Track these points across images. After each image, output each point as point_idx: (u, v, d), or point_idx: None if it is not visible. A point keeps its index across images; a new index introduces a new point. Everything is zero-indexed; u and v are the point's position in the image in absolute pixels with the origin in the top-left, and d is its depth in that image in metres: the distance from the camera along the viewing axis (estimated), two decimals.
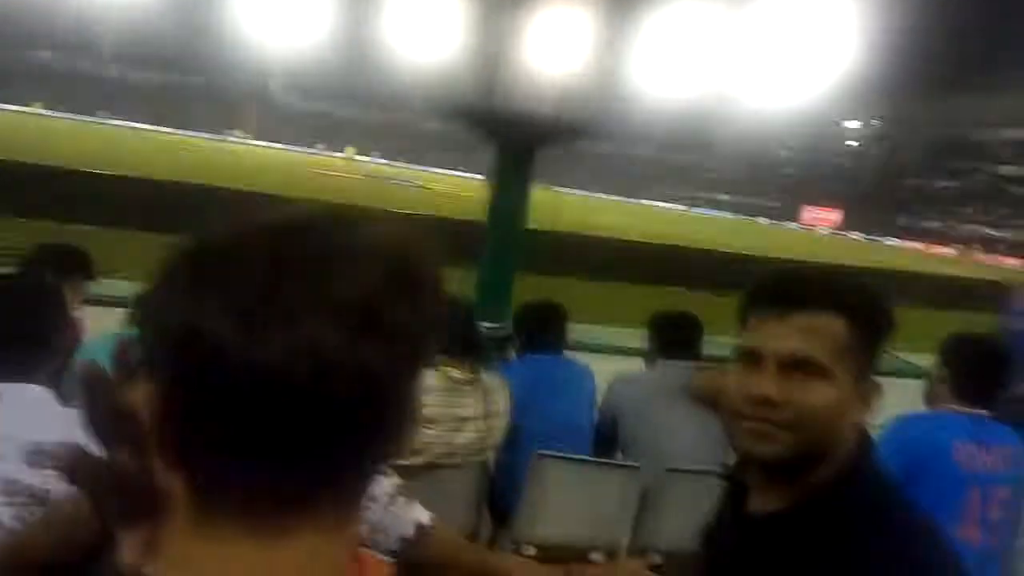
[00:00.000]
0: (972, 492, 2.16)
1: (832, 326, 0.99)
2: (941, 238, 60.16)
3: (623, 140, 58.69)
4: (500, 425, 2.48)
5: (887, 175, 75.67)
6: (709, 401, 2.43)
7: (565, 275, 10.44)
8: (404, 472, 2.28)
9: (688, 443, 2.60)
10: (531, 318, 2.99)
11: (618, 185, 64.22)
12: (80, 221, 9.00)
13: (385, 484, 1.47)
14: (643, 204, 61.30)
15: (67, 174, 12.64)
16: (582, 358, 3.09)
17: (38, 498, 1.29)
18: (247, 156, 38.31)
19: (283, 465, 0.46)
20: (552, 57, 5.91)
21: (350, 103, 67.58)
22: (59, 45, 57.71)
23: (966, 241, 57.61)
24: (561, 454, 2.53)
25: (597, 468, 2.57)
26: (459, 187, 30.98)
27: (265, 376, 0.44)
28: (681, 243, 18.22)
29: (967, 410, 2.24)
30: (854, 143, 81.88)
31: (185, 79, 64.88)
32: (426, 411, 2.31)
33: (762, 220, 65.37)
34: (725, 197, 75.98)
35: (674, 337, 2.78)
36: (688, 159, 76.13)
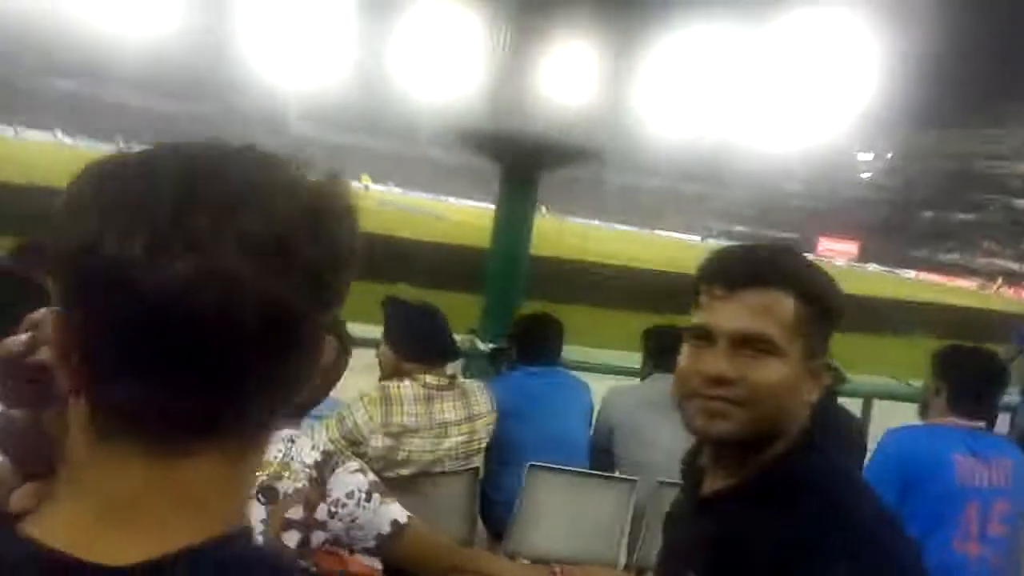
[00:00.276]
0: (971, 506, 2.12)
1: (783, 304, 0.99)
2: (959, 270, 59.66)
3: (636, 171, 58.91)
4: (485, 427, 2.46)
5: (902, 207, 75.40)
6: None
7: (573, 302, 10.45)
8: (394, 484, 2.29)
9: (679, 455, 2.56)
10: (527, 329, 2.98)
11: (631, 215, 64.47)
12: None
13: (360, 481, 1.46)
14: (656, 234, 61.43)
15: None
16: (581, 376, 3.07)
17: None
18: None
19: (185, 388, 0.46)
20: (560, 83, 5.99)
21: (365, 133, 68.46)
22: (78, 72, 59.00)
23: (985, 274, 57.09)
24: (554, 466, 2.51)
25: (591, 480, 2.54)
26: (475, 216, 31.21)
27: (170, 300, 0.44)
28: (691, 271, 18.17)
29: (965, 423, 2.21)
30: (868, 175, 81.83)
31: (200, 107, 66.05)
32: (407, 421, 2.30)
33: None
34: (740, 228, 75.92)
35: (665, 349, 2.76)
36: (701, 190, 76.25)
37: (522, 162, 5.35)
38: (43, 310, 0.53)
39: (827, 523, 0.92)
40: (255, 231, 0.46)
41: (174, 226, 0.45)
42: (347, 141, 69.25)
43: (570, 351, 4.15)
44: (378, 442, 2.26)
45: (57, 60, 55.59)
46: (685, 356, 1.03)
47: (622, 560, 2.66)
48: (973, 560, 2.12)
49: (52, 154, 30.25)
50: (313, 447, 1.47)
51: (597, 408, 2.95)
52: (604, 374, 4.04)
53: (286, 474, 1.41)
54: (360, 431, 2.26)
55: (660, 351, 2.79)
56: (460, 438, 2.39)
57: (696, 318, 1.03)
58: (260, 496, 1.38)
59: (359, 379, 2.15)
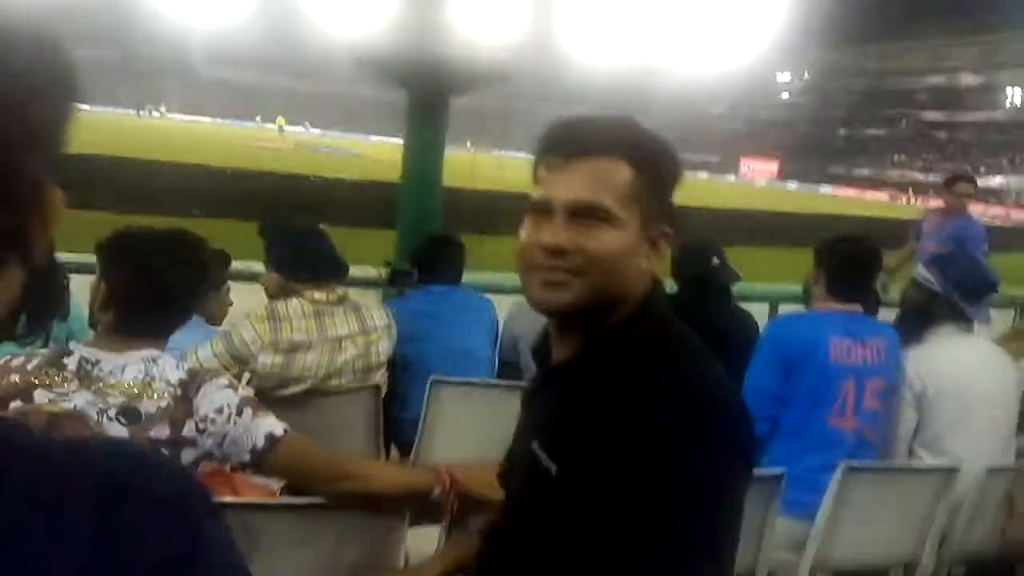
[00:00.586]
0: (847, 383, 2.24)
1: (618, 171, 0.99)
2: (873, 183, 62.01)
3: (561, 100, 58.52)
4: (381, 341, 2.45)
5: (819, 125, 77.42)
6: None
7: (494, 233, 10.44)
8: (291, 403, 2.27)
9: None
10: (428, 252, 2.95)
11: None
12: None
13: (230, 396, 1.43)
14: None
15: None
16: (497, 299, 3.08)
17: None
18: (170, 130, 36.93)
19: None
20: (470, 8, 5.81)
21: (277, 74, 65.67)
22: None
23: (896, 185, 59.52)
24: (456, 379, 2.52)
25: (493, 391, 2.56)
26: (395, 152, 30.60)
27: None
28: None
29: (842, 308, 2.31)
30: (786, 95, 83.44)
31: (102, 54, 61.92)
32: (297, 337, 2.26)
33: (702, 175, 66.36)
34: None
35: None
36: (622, 114, 76.19)
37: (426, 86, 5.19)
38: None
39: (658, 384, 0.94)
40: None
41: None
42: (259, 83, 66.32)
43: (495, 278, 4.17)
44: (268, 359, 2.22)
45: None
46: (524, 230, 1.03)
47: None
48: (849, 434, 2.25)
49: None
50: (177, 366, 1.43)
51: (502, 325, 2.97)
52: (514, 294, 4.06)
53: (147, 394, 1.37)
54: (248, 348, 2.21)
55: None
56: (355, 351, 2.37)
57: (534, 192, 1.02)
58: (120, 418, 1.35)
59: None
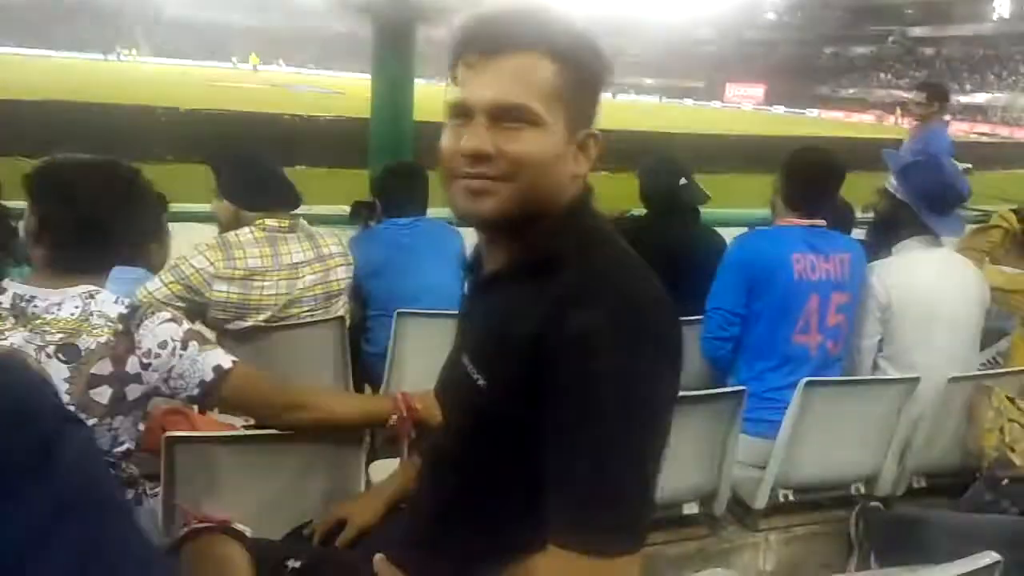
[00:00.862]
0: (811, 299, 2.24)
1: (540, 69, 0.94)
2: (859, 105, 61.35)
3: None
4: (338, 268, 2.42)
5: (805, 46, 76.02)
6: None
7: None
8: (254, 337, 2.25)
9: None
10: (389, 181, 2.90)
11: None
12: None
13: (174, 330, 1.41)
14: None
15: None
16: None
17: None
18: (140, 73, 35.89)
19: None
20: None
21: (246, 11, 63.50)
22: None
23: (884, 105, 58.90)
24: (422, 311, 2.51)
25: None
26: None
27: None
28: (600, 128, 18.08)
29: (804, 222, 2.29)
30: (772, 16, 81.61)
31: None
32: (252, 263, 2.22)
33: (688, 102, 65.44)
34: (649, 81, 75.46)
35: None
36: (610, 45, 74.63)
37: (391, 14, 5.03)
38: None
39: (582, 287, 0.92)
40: None
41: None
42: (229, 22, 64.18)
43: None
44: (223, 287, 2.19)
45: None
46: (445, 136, 0.98)
47: None
48: (813, 348, 2.26)
49: None
50: (117, 300, 1.40)
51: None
52: None
53: (85, 330, 1.34)
54: (200, 276, 2.17)
55: None
56: (314, 277, 2.34)
57: (451, 94, 0.97)
58: (59, 355, 1.32)
59: None
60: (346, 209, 3.45)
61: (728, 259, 2.31)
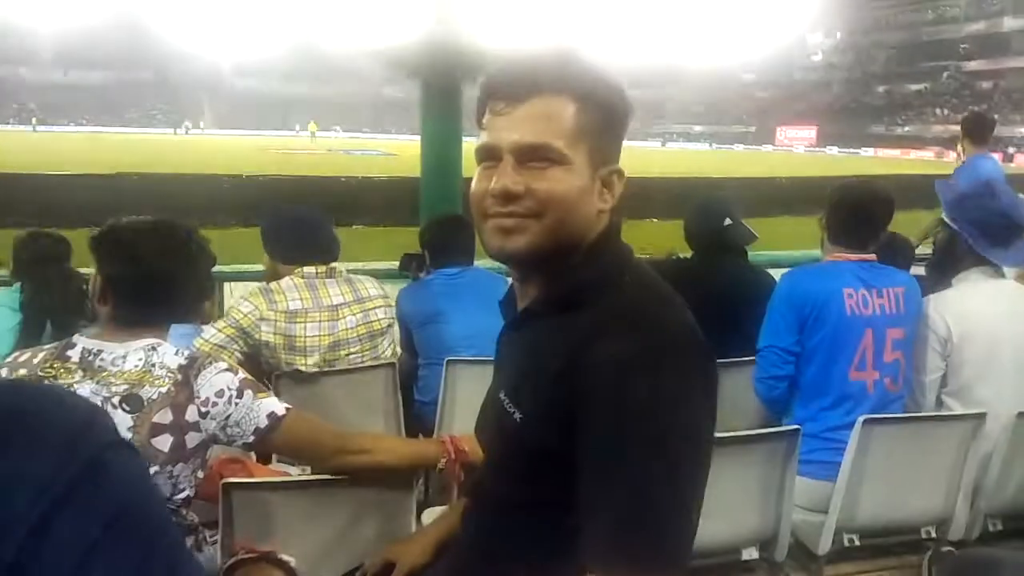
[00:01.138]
0: (865, 335, 2.18)
1: (561, 110, 0.98)
2: (916, 142, 60.04)
3: None
4: (378, 309, 2.49)
5: (856, 85, 75.23)
6: None
7: None
8: (310, 379, 2.32)
9: None
10: (437, 233, 2.97)
11: None
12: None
13: (230, 379, 1.47)
14: None
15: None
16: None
17: None
18: (206, 144, 37.71)
19: None
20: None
21: (305, 82, 66.41)
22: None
23: (942, 141, 57.49)
24: (471, 358, 2.53)
25: None
26: None
27: None
28: (650, 176, 18.16)
29: (854, 257, 2.25)
30: (819, 56, 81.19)
31: (134, 76, 63.45)
32: (292, 305, 2.33)
33: (739, 147, 65.17)
34: (698, 128, 75.58)
35: None
36: (656, 95, 75.43)
37: (438, 74, 5.20)
38: None
39: (614, 317, 0.94)
40: None
41: None
42: (289, 93, 67.21)
43: None
44: (269, 329, 2.29)
45: None
46: (476, 179, 1.03)
47: None
48: (871, 385, 2.20)
49: None
50: (177, 352, 1.47)
51: None
52: None
53: (148, 380, 1.41)
54: (249, 320, 2.29)
55: None
56: (355, 318, 2.42)
57: (481, 138, 1.02)
58: (124, 405, 1.39)
59: None
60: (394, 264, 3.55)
61: (777, 296, 2.28)
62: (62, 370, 1.40)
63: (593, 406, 0.89)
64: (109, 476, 0.49)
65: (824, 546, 2.07)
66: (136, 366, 1.42)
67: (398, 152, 32.81)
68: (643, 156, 32.92)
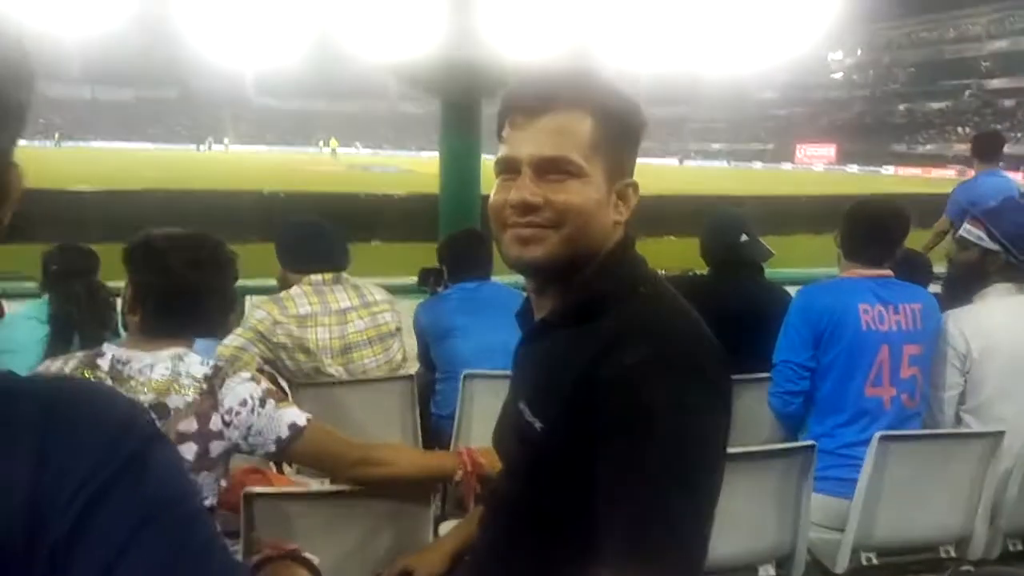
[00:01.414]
0: (881, 350, 2.18)
1: (580, 124, 1.01)
2: (937, 160, 59.53)
3: None
4: (384, 313, 2.56)
5: (876, 103, 74.88)
6: None
7: None
8: (329, 391, 2.36)
9: None
10: (455, 248, 3.01)
11: None
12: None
13: (253, 389, 1.50)
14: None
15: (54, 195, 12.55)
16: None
17: None
18: (228, 161, 38.23)
19: None
20: (502, 14, 5.88)
21: (326, 98, 67.23)
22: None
23: (965, 161, 56.95)
24: (488, 372, 2.56)
25: None
26: None
27: None
28: (667, 193, 18.14)
29: (870, 273, 2.26)
30: (839, 75, 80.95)
31: (158, 93, 64.59)
32: (301, 310, 2.41)
33: (757, 165, 64.98)
34: (716, 146, 75.50)
35: None
36: (676, 113, 75.55)
37: (457, 90, 5.27)
38: None
39: (629, 326, 0.96)
40: None
41: None
42: (311, 110, 68.03)
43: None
44: (283, 332, 2.38)
45: None
46: (495, 191, 1.06)
47: None
48: (887, 402, 2.19)
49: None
50: (202, 362, 1.51)
51: None
52: None
53: (174, 389, 1.45)
54: (264, 324, 2.38)
55: None
56: (362, 322, 2.50)
57: (500, 151, 1.05)
58: (151, 413, 1.42)
59: None
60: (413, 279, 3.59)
61: (793, 311, 2.29)
62: (92, 378, 1.44)
63: (609, 415, 0.91)
64: (150, 469, 0.51)
65: (841, 564, 2.06)
66: (163, 375, 1.46)
67: (417, 169, 33.08)
68: (660, 173, 32.96)
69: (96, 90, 62.68)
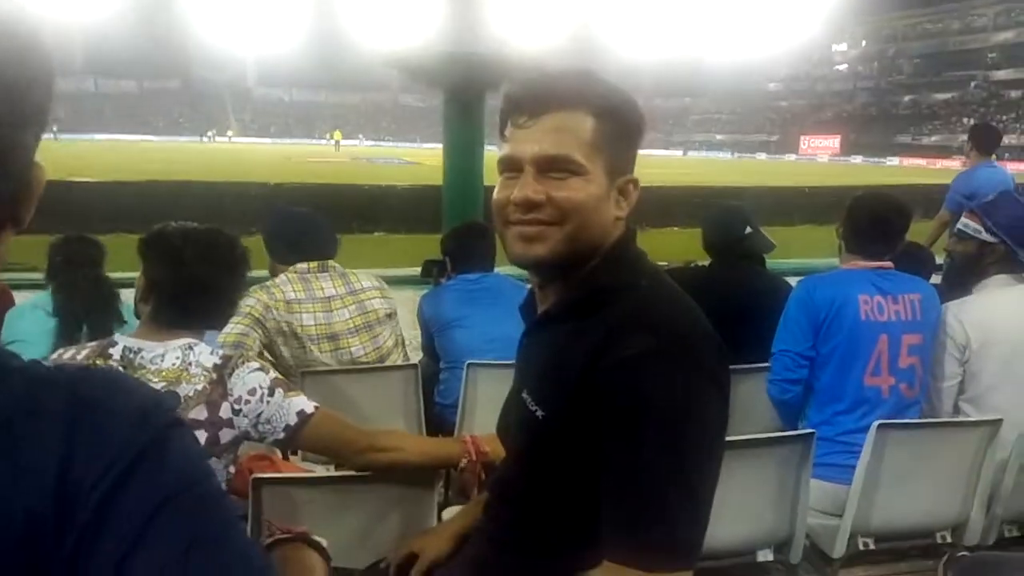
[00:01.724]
0: (880, 340, 2.21)
1: (581, 123, 1.03)
2: (943, 152, 59.29)
3: None
4: (373, 300, 2.57)
5: (881, 94, 74.52)
6: None
7: None
8: (334, 379, 2.39)
9: None
10: (458, 240, 3.03)
11: None
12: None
13: (261, 378, 1.53)
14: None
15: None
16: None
17: None
18: (233, 152, 38.21)
19: None
20: (505, 6, 5.88)
21: (330, 91, 67.08)
22: None
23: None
24: (491, 361, 2.59)
25: None
26: None
27: None
28: (670, 184, 18.12)
29: (870, 264, 2.28)
30: (844, 66, 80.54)
31: (161, 84, 64.49)
32: (288, 296, 2.43)
33: (761, 156, 64.80)
34: (720, 137, 75.28)
35: None
36: (680, 104, 75.24)
37: (459, 82, 5.28)
38: None
39: (630, 319, 0.99)
40: None
41: None
42: (314, 102, 67.95)
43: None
44: (273, 316, 2.40)
45: None
46: (498, 189, 1.08)
47: None
48: (886, 391, 2.22)
49: None
50: (212, 352, 1.54)
51: None
52: None
53: (185, 378, 1.48)
54: (257, 309, 2.39)
55: None
56: (347, 310, 2.51)
57: (502, 150, 1.08)
58: None
59: None
60: (416, 270, 3.62)
61: (793, 301, 2.31)
62: (104, 367, 1.47)
63: (610, 404, 0.94)
64: (169, 454, 0.54)
65: (839, 549, 2.09)
66: (174, 364, 1.49)
67: (421, 160, 33.06)
68: (664, 164, 32.92)
69: (99, 82, 62.65)
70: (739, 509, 1.90)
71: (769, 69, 75.76)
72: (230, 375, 1.51)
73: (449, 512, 1.93)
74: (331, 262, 2.56)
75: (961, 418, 2.28)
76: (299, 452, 2.18)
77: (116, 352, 1.50)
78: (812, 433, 1.96)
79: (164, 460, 0.53)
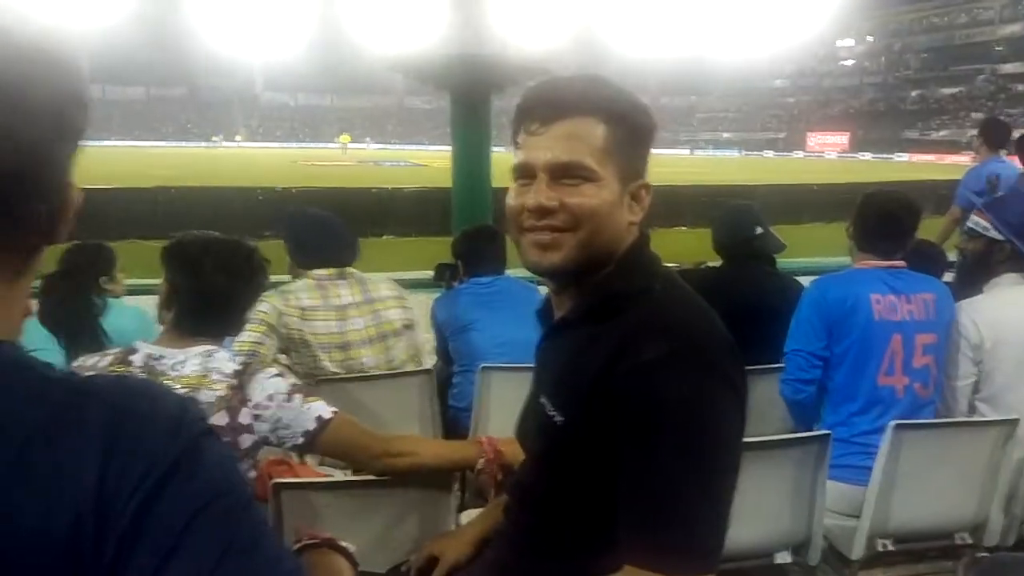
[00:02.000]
0: (893, 340, 2.20)
1: (592, 130, 1.04)
2: (951, 147, 58.95)
3: None
4: (389, 309, 2.57)
5: (889, 90, 74.17)
6: None
7: None
8: (349, 385, 2.40)
9: None
10: (470, 243, 3.03)
11: None
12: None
13: (280, 384, 1.55)
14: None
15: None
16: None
17: None
18: (240, 157, 38.37)
19: None
20: (510, 8, 5.89)
21: (337, 94, 67.29)
22: None
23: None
24: (505, 364, 2.59)
25: None
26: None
27: None
28: (678, 183, 18.09)
29: (882, 263, 2.27)
30: (851, 61, 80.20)
31: (168, 91, 64.82)
32: (304, 303, 2.43)
33: (769, 154, 64.63)
34: (727, 135, 75.11)
35: None
36: (686, 103, 75.11)
37: (466, 85, 5.28)
38: None
39: (645, 324, 0.99)
40: None
41: None
42: (322, 106, 68.17)
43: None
44: (287, 322, 2.40)
45: None
46: (512, 195, 1.09)
47: None
48: (900, 391, 2.21)
49: None
50: (231, 359, 1.56)
51: None
52: None
53: (206, 384, 1.50)
54: (271, 315, 2.39)
55: None
56: (362, 319, 2.50)
57: (515, 158, 1.09)
58: None
59: None
60: (431, 274, 3.64)
61: (805, 301, 2.31)
62: (126, 374, 1.49)
63: (626, 409, 0.94)
64: (201, 463, 0.55)
65: (858, 551, 2.08)
66: (194, 371, 1.51)
67: (428, 162, 33.12)
68: (671, 163, 32.81)
69: (106, 89, 63.05)
70: (755, 511, 1.90)
71: (775, 66, 75.50)
72: (249, 381, 1.53)
73: (467, 515, 1.94)
74: (350, 268, 2.57)
75: (977, 418, 2.27)
76: (316, 456, 2.19)
77: (137, 359, 1.51)
78: (828, 434, 1.96)
79: (197, 469, 0.55)
